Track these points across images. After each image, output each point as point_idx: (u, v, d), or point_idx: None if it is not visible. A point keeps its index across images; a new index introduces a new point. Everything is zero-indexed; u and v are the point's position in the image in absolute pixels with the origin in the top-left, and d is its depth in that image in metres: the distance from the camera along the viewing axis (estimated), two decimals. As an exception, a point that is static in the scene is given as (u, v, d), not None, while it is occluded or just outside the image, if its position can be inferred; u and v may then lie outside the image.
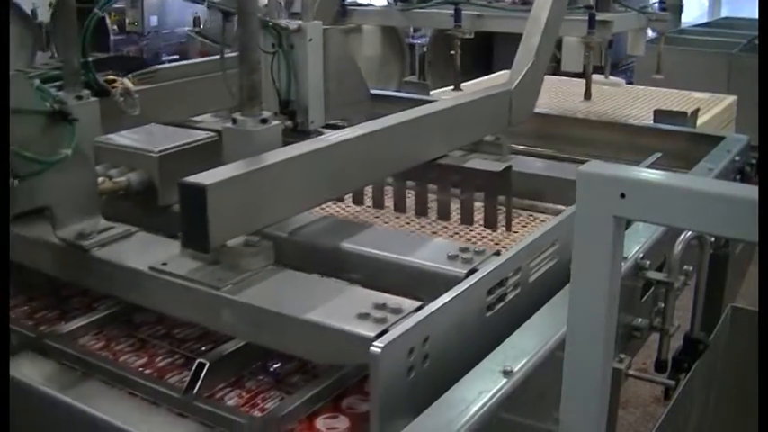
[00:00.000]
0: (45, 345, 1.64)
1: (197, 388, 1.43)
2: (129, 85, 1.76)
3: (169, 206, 1.82)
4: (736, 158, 2.48)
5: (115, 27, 8.18)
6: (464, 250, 1.59)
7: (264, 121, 1.70)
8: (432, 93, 3.45)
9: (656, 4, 3.91)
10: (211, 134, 1.96)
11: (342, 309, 1.37)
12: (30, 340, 1.66)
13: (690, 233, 1.72)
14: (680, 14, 4.31)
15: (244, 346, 1.53)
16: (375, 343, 1.20)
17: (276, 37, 1.98)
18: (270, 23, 1.95)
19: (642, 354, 1.88)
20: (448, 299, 1.36)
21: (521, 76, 2.40)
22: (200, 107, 2.38)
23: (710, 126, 3.49)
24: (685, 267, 1.75)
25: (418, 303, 1.36)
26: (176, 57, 8.01)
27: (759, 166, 2.48)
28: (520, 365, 1.31)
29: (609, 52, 3.67)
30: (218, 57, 1.97)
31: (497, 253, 1.61)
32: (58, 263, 1.72)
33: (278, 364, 1.58)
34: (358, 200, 2.34)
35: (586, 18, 3.29)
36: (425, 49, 7.84)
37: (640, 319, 1.73)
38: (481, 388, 1.25)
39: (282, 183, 1.63)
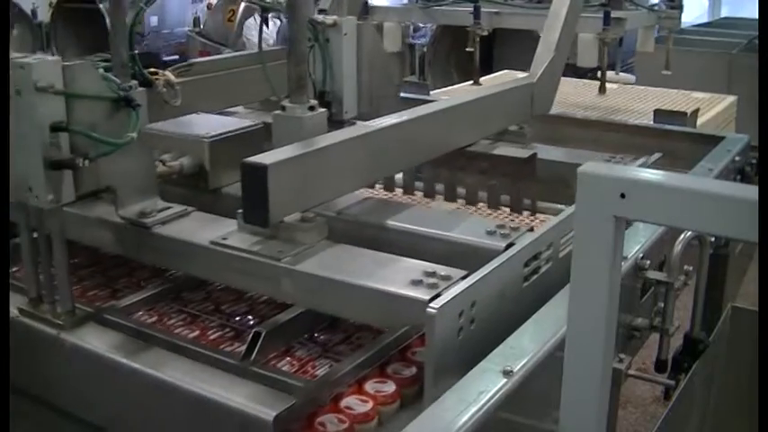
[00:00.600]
0: (104, 319, 1.72)
1: (254, 355, 1.52)
2: (171, 77, 1.84)
3: (218, 188, 1.96)
4: (736, 158, 2.48)
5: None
6: (501, 227, 1.73)
7: (312, 108, 1.83)
8: (431, 93, 3.45)
9: (662, 3, 3.99)
10: (256, 122, 2.10)
11: (396, 276, 1.49)
12: (89, 314, 1.73)
13: (690, 233, 1.72)
14: (680, 14, 4.39)
15: (295, 317, 1.64)
16: (431, 305, 1.34)
17: (313, 31, 2.07)
18: (307, 19, 2.04)
19: (642, 354, 1.88)
20: (491, 268, 1.49)
21: (542, 70, 2.51)
22: (234, 99, 2.49)
23: (710, 126, 3.49)
24: (685, 267, 1.75)
25: (464, 272, 1.48)
26: (176, 57, 8.01)
27: (759, 166, 2.48)
28: (520, 365, 1.31)
29: (618, 50, 3.73)
30: (251, 51, 2.21)
31: (531, 230, 1.75)
32: (120, 241, 1.83)
33: (325, 335, 1.68)
34: (389, 187, 2.42)
35: (601, 15, 3.42)
36: (425, 49, 7.86)
37: (640, 319, 1.73)
38: (481, 388, 1.25)
39: (334, 164, 1.76)
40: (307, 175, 1.67)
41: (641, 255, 1.70)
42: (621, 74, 4.33)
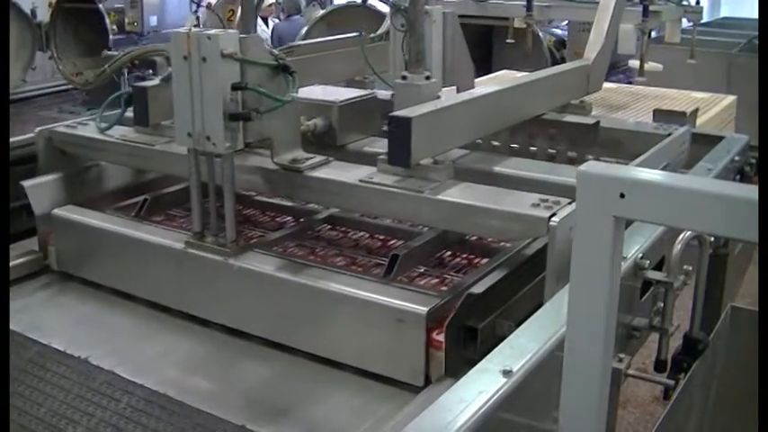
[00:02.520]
0: (262, 248, 2.12)
1: (393, 273, 1.96)
2: (282, 56, 2.10)
3: (343, 145, 2.36)
4: (736, 158, 2.49)
5: (114, 27, 8.16)
6: None
7: (428, 77, 2.26)
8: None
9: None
10: (369, 92, 2.54)
11: (518, 202, 1.85)
12: (249, 245, 2.14)
13: (689, 233, 1.72)
14: (702, 9, 4.76)
15: (424, 243, 2.10)
16: (553, 219, 1.73)
17: (407, 18, 2.36)
18: (402, 8, 2.38)
19: (642, 354, 1.88)
20: None
21: (595, 54, 2.94)
22: (326, 77, 2.83)
23: (710, 126, 3.49)
24: (685, 267, 1.75)
25: (569, 199, 1.79)
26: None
27: (759, 166, 2.48)
28: (520, 365, 1.30)
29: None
30: (342, 36, 2.97)
31: None
32: (276, 184, 2.16)
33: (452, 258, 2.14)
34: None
35: (639, 8, 3.87)
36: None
37: (640, 319, 1.73)
38: (481, 388, 1.25)
39: (456, 119, 2.18)
40: (438, 127, 2.05)
41: (641, 255, 1.70)
42: (651, 63, 4.47)
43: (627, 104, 3.83)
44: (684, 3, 4.44)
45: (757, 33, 5.26)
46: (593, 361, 1.12)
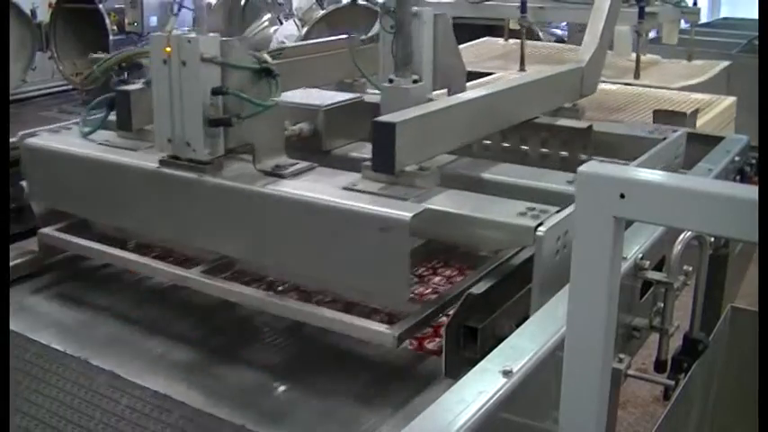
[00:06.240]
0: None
1: None
2: (268, 59, 2.03)
3: (329, 150, 2.32)
4: (736, 158, 2.49)
5: (114, 27, 8.16)
6: None
7: (415, 81, 2.25)
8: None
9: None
10: (356, 95, 2.50)
11: (504, 210, 1.80)
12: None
13: (689, 233, 1.72)
14: (699, 10, 4.80)
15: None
16: (540, 228, 1.67)
17: (396, 20, 2.33)
18: (392, 9, 2.34)
19: (642, 354, 1.88)
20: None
21: (589, 56, 2.90)
22: (316, 80, 2.79)
23: (710, 126, 3.48)
24: (685, 267, 1.75)
25: (557, 208, 1.76)
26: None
27: (759, 166, 2.48)
28: (520, 365, 1.30)
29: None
30: (332, 38, 2.90)
31: None
32: None
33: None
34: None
35: (635, 10, 3.83)
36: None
37: (640, 319, 1.73)
38: (481, 388, 1.25)
39: (443, 124, 2.13)
40: (424, 132, 2.01)
41: (641, 255, 1.70)
42: (649, 54, 4.54)
43: (626, 105, 3.82)
44: (683, 3, 4.46)
45: (757, 33, 5.25)
46: (593, 361, 1.12)
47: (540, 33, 6.73)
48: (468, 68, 3.69)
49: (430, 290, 2.15)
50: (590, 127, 2.59)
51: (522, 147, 2.60)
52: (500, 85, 2.57)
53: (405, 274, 1.74)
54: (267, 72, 1.98)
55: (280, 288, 2.11)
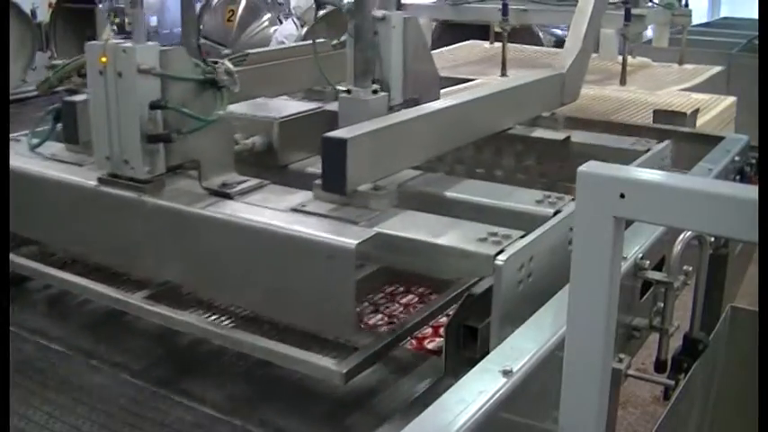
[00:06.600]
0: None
1: None
2: (230, 66, 1.95)
3: (285, 165, 2.18)
4: (736, 158, 2.48)
5: (115, 27, 8.17)
6: (548, 196, 1.90)
7: (375, 92, 2.09)
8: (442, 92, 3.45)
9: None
10: (317, 105, 2.33)
11: (462, 235, 1.66)
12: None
13: (689, 233, 1.72)
14: (691, 12, 4.68)
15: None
16: (498, 258, 1.52)
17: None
18: (371, 14, 2.21)
19: (642, 354, 1.88)
20: (544, 230, 1.68)
21: (570, 62, 2.74)
22: (283, 87, 2.68)
23: (710, 126, 3.48)
24: (685, 267, 1.75)
25: (522, 232, 1.65)
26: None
27: (759, 166, 2.48)
28: (520, 365, 1.30)
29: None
30: (300, 44, 2.60)
31: (573, 199, 1.77)
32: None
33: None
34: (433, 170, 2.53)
35: (622, 12, 3.69)
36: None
37: (640, 319, 1.73)
38: (481, 388, 1.25)
39: (401, 139, 1.99)
40: (379, 148, 1.88)
41: (641, 255, 1.70)
42: (638, 57, 4.46)
43: (626, 105, 3.82)
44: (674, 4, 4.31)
45: (757, 33, 5.25)
46: (593, 361, 1.12)
47: (541, 34, 6.74)
48: (447, 74, 3.62)
49: (386, 319, 2.03)
50: (567, 138, 2.48)
51: (497, 159, 2.47)
52: (471, 94, 2.39)
53: (350, 305, 1.59)
54: (212, 83, 1.86)
55: (224, 319, 1.91)
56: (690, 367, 1.80)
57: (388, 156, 1.93)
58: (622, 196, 1.03)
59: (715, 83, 4.47)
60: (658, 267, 1.77)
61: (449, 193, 1.98)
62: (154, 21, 9.18)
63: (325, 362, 1.63)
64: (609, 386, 1.16)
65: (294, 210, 1.78)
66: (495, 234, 1.64)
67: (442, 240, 1.65)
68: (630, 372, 1.58)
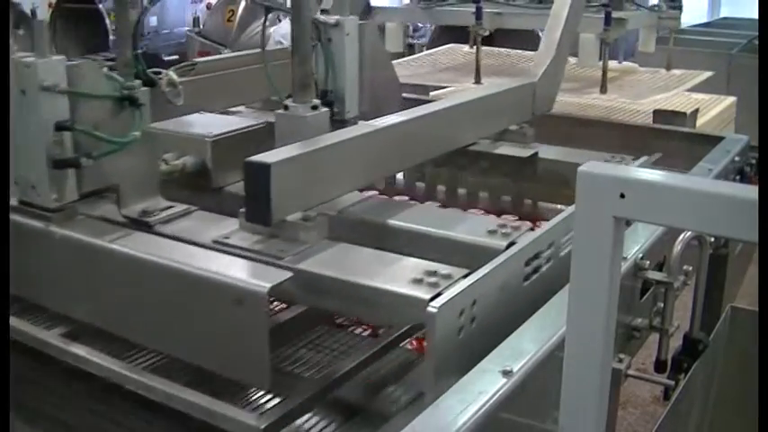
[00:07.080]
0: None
1: None
2: (174, 76, 1.84)
3: (221, 188, 1.98)
4: (736, 158, 2.48)
5: (115, 27, 8.14)
6: (502, 226, 1.74)
7: (315, 107, 1.87)
8: (432, 93, 3.45)
9: (662, 3, 4.06)
10: (259, 122, 2.12)
11: (397, 275, 1.48)
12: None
13: (689, 233, 1.72)
14: (680, 14, 4.47)
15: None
16: (432, 304, 1.33)
17: (315, 31, 2.05)
18: (313, 20, 2.05)
19: (642, 354, 1.88)
20: (492, 267, 1.48)
21: (543, 69, 2.52)
22: (237, 98, 2.50)
23: (710, 126, 3.48)
24: (685, 267, 1.75)
25: (466, 271, 1.47)
26: (176, 57, 8.00)
27: (759, 166, 2.48)
28: (519, 365, 1.30)
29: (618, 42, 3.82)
30: (254, 51, 2.25)
31: (532, 229, 1.75)
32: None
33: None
34: (389, 188, 2.44)
35: (602, 16, 3.45)
36: (424, 49, 7.85)
37: (640, 320, 1.73)
38: (481, 388, 1.25)
39: (336, 163, 1.77)
40: (309, 174, 1.69)
41: (641, 255, 1.70)
42: (625, 62, 4.35)
43: (626, 105, 3.82)
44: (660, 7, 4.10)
45: (757, 33, 5.25)
46: (593, 361, 1.12)
47: (541, 33, 6.73)
48: (418, 81, 3.52)
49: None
50: (535, 155, 2.32)
51: (458, 178, 2.30)
52: (426, 108, 2.15)
53: (263, 352, 1.41)
54: (131, 101, 1.68)
55: (148, 359, 1.76)
56: (690, 367, 1.80)
57: (322, 181, 1.74)
58: (622, 196, 1.03)
59: (714, 83, 4.46)
60: (658, 267, 1.77)
61: (392, 222, 1.80)
62: (154, 21, 9.18)
63: (244, 416, 1.43)
64: (609, 386, 1.16)
65: (216, 242, 1.64)
66: (433, 273, 1.46)
67: (371, 281, 1.47)
68: (630, 372, 1.58)
